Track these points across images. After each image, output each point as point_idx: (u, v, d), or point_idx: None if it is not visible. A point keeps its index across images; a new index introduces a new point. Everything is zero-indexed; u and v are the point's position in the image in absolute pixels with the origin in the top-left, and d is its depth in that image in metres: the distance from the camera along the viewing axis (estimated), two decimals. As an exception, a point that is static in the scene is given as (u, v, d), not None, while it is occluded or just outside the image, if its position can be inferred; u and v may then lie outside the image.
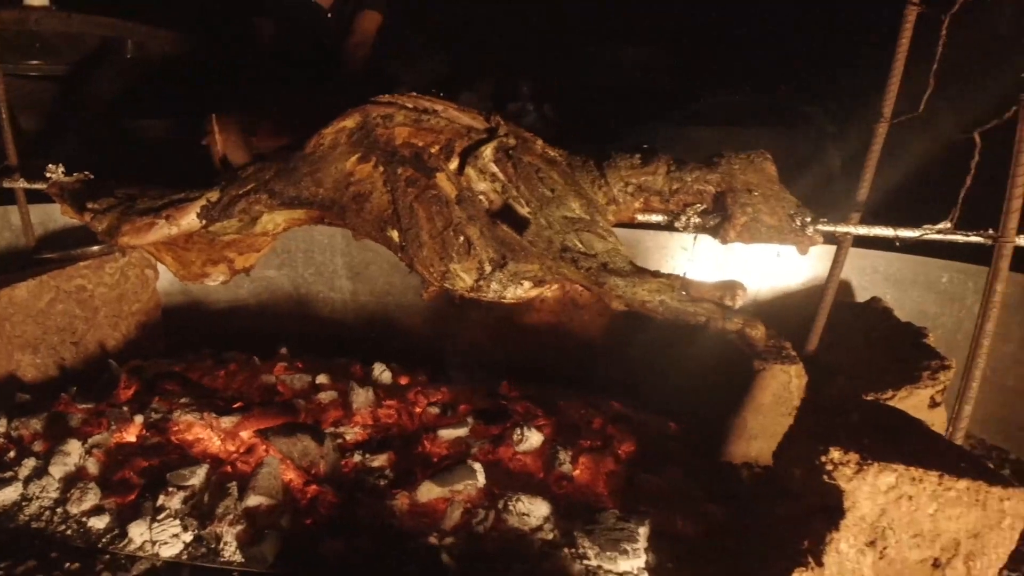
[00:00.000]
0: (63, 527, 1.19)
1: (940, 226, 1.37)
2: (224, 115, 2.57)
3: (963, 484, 0.92)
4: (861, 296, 1.92)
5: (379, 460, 1.36)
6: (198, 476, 1.25)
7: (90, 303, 1.70)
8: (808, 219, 1.39)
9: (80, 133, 2.60)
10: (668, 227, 1.46)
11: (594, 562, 1.14)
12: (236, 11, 2.91)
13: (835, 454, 0.94)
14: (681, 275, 1.41)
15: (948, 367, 1.49)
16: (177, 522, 1.16)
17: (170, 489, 1.21)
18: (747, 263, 1.94)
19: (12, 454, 1.32)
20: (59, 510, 1.22)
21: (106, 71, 2.61)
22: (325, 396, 1.57)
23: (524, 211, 1.38)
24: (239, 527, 1.16)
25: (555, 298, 2.12)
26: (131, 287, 1.82)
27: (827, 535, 0.94)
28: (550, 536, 1.20)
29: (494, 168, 1.40)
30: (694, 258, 1.92)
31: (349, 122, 1.42)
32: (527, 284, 1.40)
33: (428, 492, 1.26)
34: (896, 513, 0.93)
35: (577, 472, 1.36)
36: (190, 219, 1.41)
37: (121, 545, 1.15)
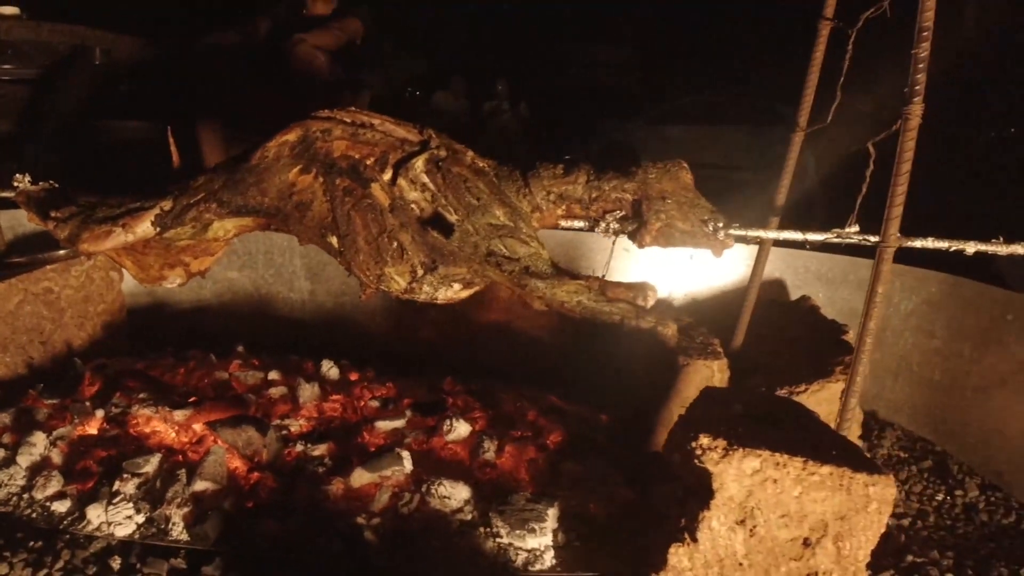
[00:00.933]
0: (29, 511, 1.37)
1: (847, 230, 1.52)
2: (181, 124, 2.71)
3: (826, 470, 1.06)
4: (795, 294, 2.07)
5: (319, 450, 1.52)
6: (151, 464, 1.42)
7: (57, 304, 1.87)
8: (720, 224, 1.54)
9: (50, 136, 2.76)
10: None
11: (505, 540, 1.30)
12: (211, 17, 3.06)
13: (704, 440, 1.09)
14: (599, 277, 1.56)
15: (858, 359, 1.64)
16: (131, 505, 1.33)
17: (125, 476, 1.38)
18: (686, 263, 2.09)
19: None
20: (25, 496, 1.39)
21: (75, 77, 2.76)
22: (276, 391, 1.73)
23: (452, 218, 1.53)
24: (186, 509, 1.33)
25: (505, 297, 2.28)
26: (96, 289, 1.98)
27: (700, 514, 1.09)
28: (468, 517, 1.36)
29: (425, 178, 1.55)
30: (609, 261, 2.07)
31: (291, 136, 1.58)
32: (457, 286, 1.56)
33: (360, 478, 1.42)
34: (762, 495, 1.08)
35: (501, 460, 1.52)
36: (145, 227, 1.57)
37: (80, 526, 1.32)
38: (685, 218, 1.56)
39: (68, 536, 1.30)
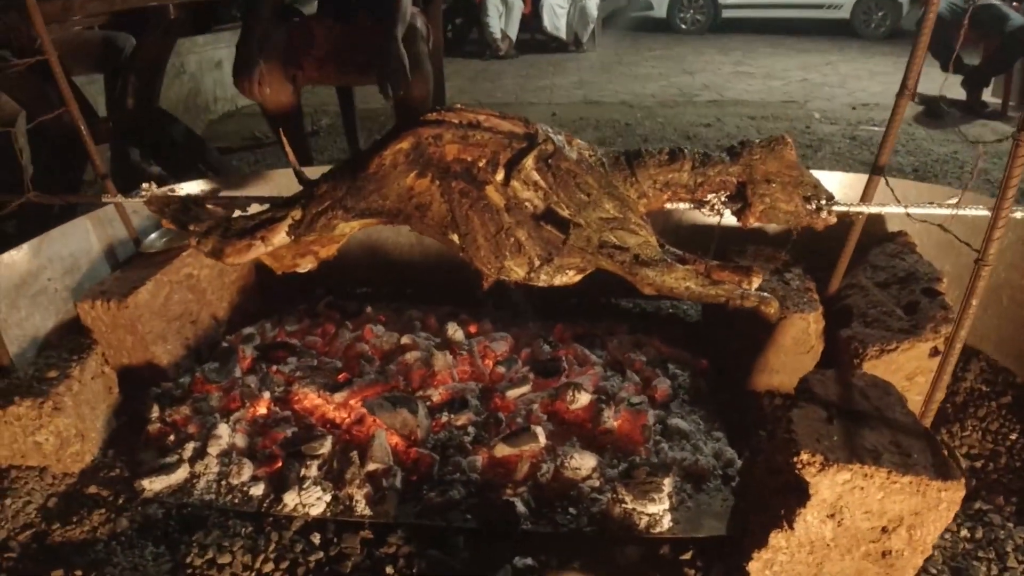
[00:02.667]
0: (230, 497, 1.73)
1: (950, 201, 1.68)
2: (266, 65, 2.87)
3: (906, 479, 1.33)
4: (892, 223, 2.24)
5: (461, 419, 1.88)
6: (325, 446, 1.80)
7: (198, 286, 2.19)
8: (823, 201, 1.72)
9: (135, 94, 2.94)
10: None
11: (630, 506, 1.66)
12: None
13: (804, 456, 1.38)
14: (705, 261, 1.79)
15: (950, 320, 1.86)
16: (318, 488, 1.71)
17: (308, 462, 1.77)
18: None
19: (172, 438, 1.87)
20: (223, 483, 1.75)
21: (152, 34, 2.86)
22: (410, 357, 2.08)
23: (565, 213, 1.75)
24: (365, 489, 1.72)
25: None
26: (228, 262, 2.30)
27: (797, 509, 1.40)
28: (596, 484, 1.72)
29: (536, 176, 1.75)
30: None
31: (404, 144, 1.77)
32: (571, 272, 1.81)
33: (502, 450, 1.78)
34: (850, 497, 1.37)
35: (618, 424, 1.86)
36: (280, 237, 1.84)
37: (279, 508, 1.70)
38: (789, 199, 1.74)
39: (271, 518, 1.69)
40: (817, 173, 2.27)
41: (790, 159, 1.76)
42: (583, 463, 1.74)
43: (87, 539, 1.67)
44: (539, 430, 1.80)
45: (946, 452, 1.43)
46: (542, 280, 1.80)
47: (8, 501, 1.74)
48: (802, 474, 1.39)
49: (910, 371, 1.87)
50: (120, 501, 1.76)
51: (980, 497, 1.73)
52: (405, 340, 2.16)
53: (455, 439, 1.84)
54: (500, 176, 1.76)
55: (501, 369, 2.06)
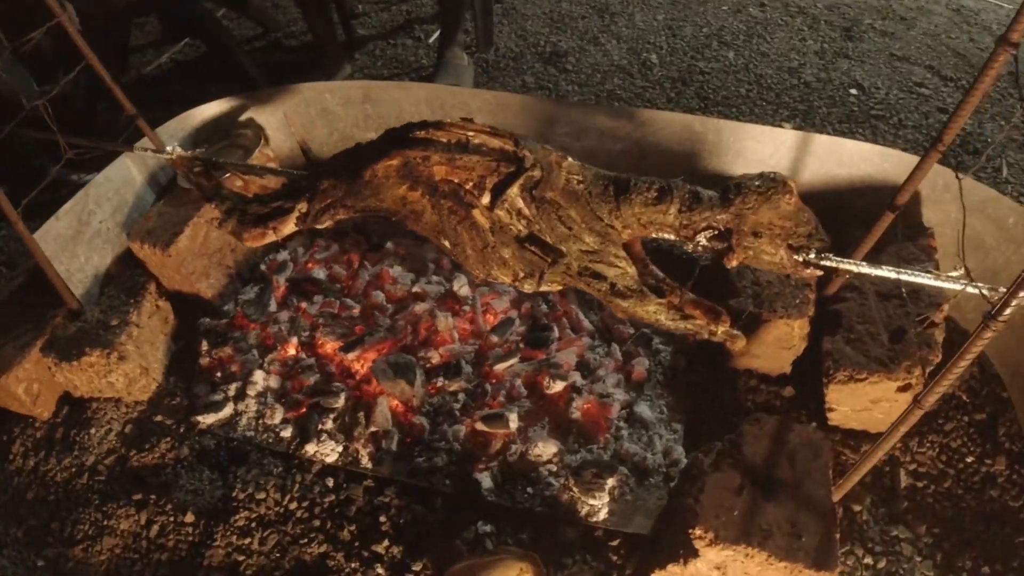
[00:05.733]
0: (265, 435, 2.29)
1: (952, 274, 1.75)
2: None
3: (782, 564, 1.73)
4: (928, 209, 2.25)
5: (454, 386, 2.32)
6: (340, 401, 2.31)
7: (233, 217, 2.59)
8: (811, 255, 1.84)
9: None
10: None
11: (576, 494, 2.13)
12: None
13: (698, 531, 1.78)
14: (680, 293, 2.01)
15: (930, 363, 2.01)
16: (332, 442, 2.26)
17: (325, 417, 2.30)
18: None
19: (219, 374, 2.41)
20: (260, 422, 2.30)
21: None
22: (419, 308, 2.47)
23: (548, 239, 1.99)
24: (369, 448, 2.27)
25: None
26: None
27: (691, 559, 1.85)
28: (554, 468, 2.16)
29: (520, 205, 1.96)
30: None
31: (394, 161, 1.99)
32: (554, 285, 2.10)
33: (481, 426, 2.26)
34: (733, 565, 1.79)
35: (587, 407, 2.26)
36: (290, 227, 2.18)
37: (302, 452, 2.26)
38: (775, 250, 1.84)
39: (296, 460, 2.26)
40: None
41: (786, 210, 1.84)
42: (546, 450, 2.19)
43: (158, 464, 2.32)
44: (513, 416, 2.23)
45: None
46: (527, 288, 2.10)
47: (93, 430, 2.38)
48: (695, 544, 1.81)
49: (875, 397, 2.10)
50: (182, 430, 2.38)
51: (904, 522, 2.05)
52: (416, 289, 2.54)
53: (446, 406, 2.31)
54: (486, 200, 1.98)
55: (494, 338, 2.43)
